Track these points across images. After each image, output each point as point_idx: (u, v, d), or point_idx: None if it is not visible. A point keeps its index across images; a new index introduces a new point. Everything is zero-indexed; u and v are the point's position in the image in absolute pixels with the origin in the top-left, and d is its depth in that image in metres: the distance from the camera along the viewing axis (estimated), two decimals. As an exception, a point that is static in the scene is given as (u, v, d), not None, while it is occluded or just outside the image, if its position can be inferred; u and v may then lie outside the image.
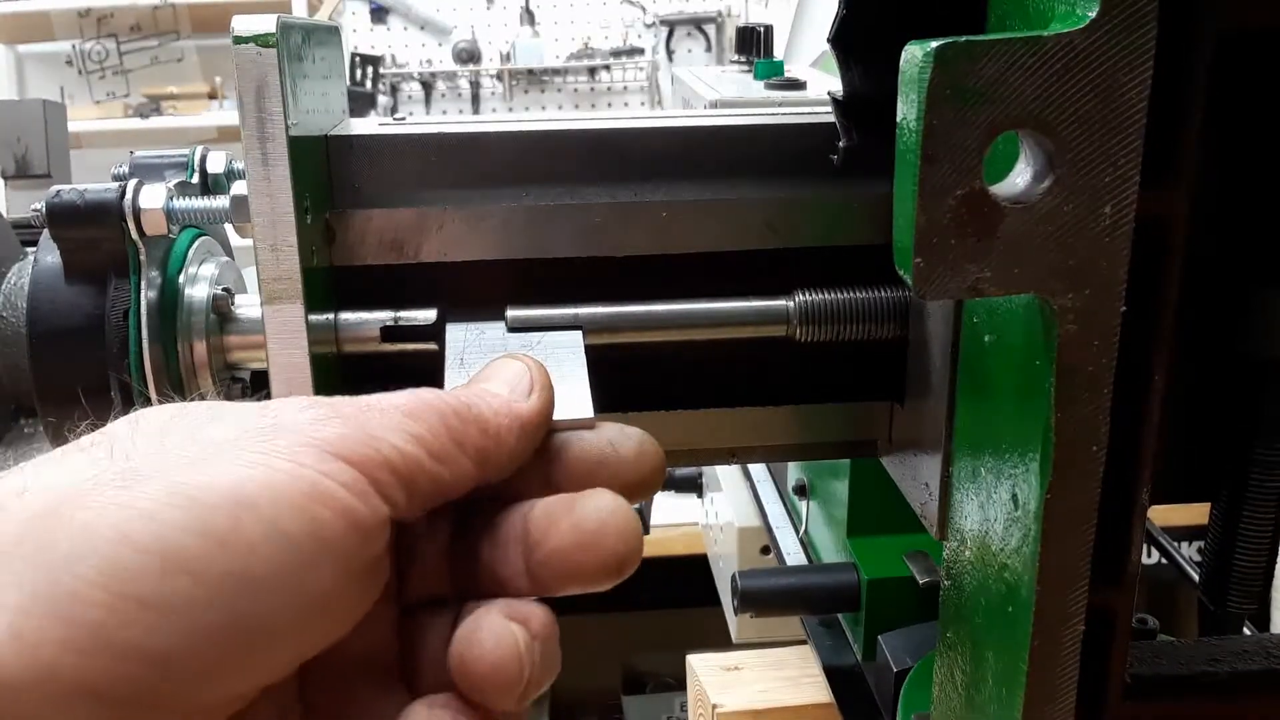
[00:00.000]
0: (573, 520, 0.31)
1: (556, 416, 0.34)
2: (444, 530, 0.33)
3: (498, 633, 0.29)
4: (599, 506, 0.31)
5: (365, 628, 0.30)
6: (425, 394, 0.32)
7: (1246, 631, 0.47)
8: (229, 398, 0.54)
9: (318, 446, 0.28)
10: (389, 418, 0.30)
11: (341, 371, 0.49)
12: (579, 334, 0.47)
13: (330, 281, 0.48)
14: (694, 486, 1.13)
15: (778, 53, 1.08)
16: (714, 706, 0.77)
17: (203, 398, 0.53)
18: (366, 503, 0.28)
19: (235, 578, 0.26)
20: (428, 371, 0.45)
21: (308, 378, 0.45)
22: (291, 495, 0.27)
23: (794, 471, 0.85)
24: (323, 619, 0.28)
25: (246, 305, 0.54)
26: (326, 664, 0.30)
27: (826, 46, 0.43)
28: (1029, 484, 0.33)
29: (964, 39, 0.28)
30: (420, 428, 0.30)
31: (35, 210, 0.53)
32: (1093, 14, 0.28)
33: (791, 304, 0.48)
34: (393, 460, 0.29)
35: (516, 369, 0.34)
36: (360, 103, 3.43)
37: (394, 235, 0.49)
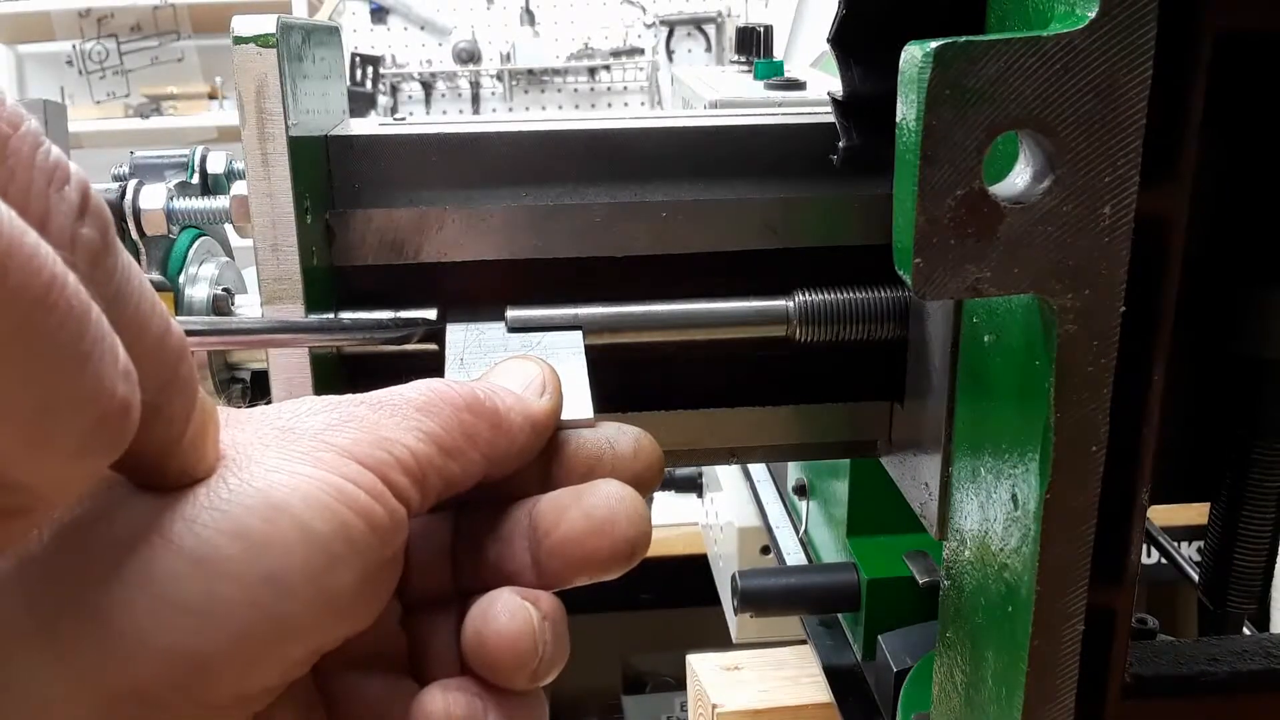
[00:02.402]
0: (582, 508, 0.31)
1: None
2: (445, 529, 0.33)
3: (512, 609, 0.30)
4: (608, 494, 0.32)
5: (375, 624, 0.30)
6: (439, 386, 0.32)
7: (1246, 631, 0.47)
8: (229, 398, 0.54)
9: (334, 451, 0.28)
10: (401, 415, 0.30)
11: (342, 372, 0.49)
12: (579, 334, 0.47)
13: (330, 281, 0.48)
14: (694, 486, 1.14)
15: (777, 53, 1.08)
16: (714, 706, 0.77)
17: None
18: (385, 504, 0.28)
19: (271, 580, 0.26)
20: (428, 372, 0.45)
21: (308, 378, 0.45)
22: (320, 498, 0.27)
23: (794, 471, 0.85)
24: (344, 617, 0.28)
25: (246, 305, 0.54)
26: (338, 659, 0.30)
27: (826, 47, 0.43)
28: (1029, 484, 0.33)
29: (963, 39, 0.28)
30: (433, 423, 0.30)
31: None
32: (1092, 14, 0.28)
33: (791, 304, 0.48)
34: (406, 461, 0.29)
35: (530, 369, 0.34)
36: (360, 103, 3.43)
37: (394, 235, 0.49)
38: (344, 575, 0.27)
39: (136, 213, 0.51)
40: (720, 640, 0.91)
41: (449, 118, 0.51)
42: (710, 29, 3.60)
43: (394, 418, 0.30)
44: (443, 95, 3.73)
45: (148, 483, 0.26)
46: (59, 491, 0.22)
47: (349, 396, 0.31)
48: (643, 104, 3.66)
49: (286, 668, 0.27)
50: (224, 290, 0.54)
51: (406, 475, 0.29)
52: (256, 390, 0.55)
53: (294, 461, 0.28)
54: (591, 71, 3.66)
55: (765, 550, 0.92)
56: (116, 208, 0.51)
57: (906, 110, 0.29)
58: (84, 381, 0.20)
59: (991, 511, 0.36)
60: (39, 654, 0.24)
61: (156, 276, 0.53)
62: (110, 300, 0.22)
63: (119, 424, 0.21)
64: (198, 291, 0.54)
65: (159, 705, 0.25)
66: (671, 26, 3.61)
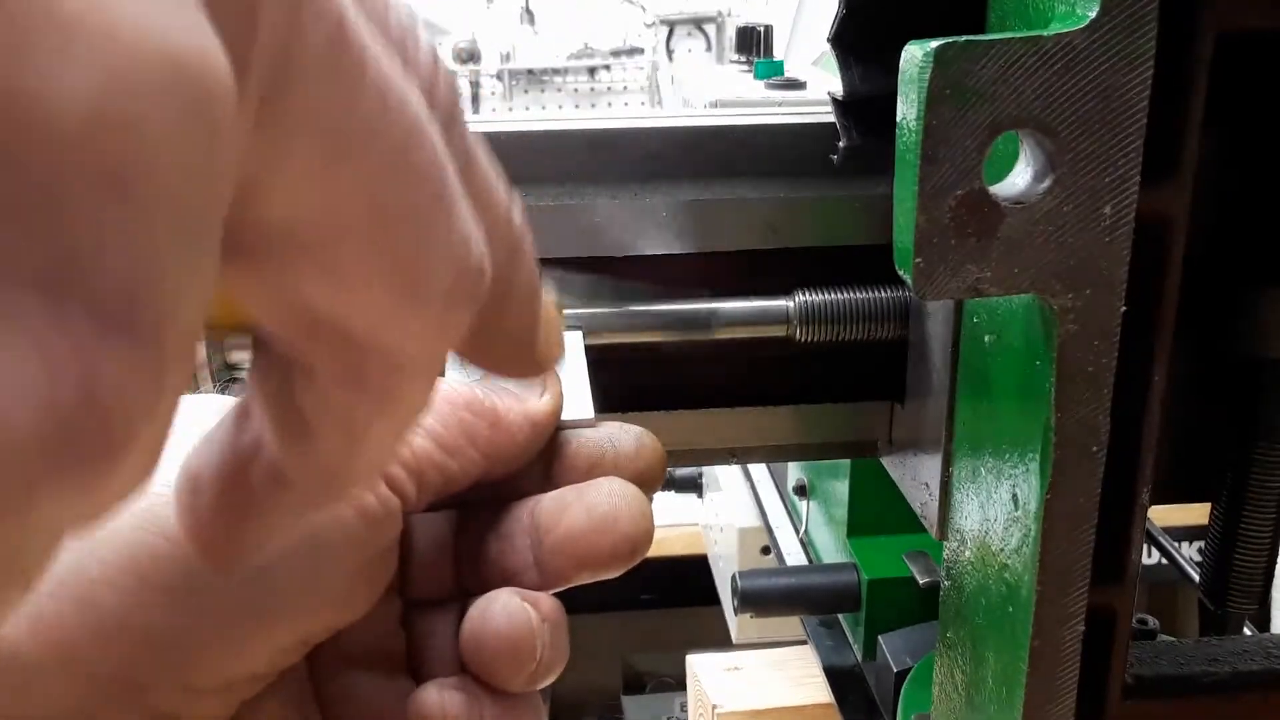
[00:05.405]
0: (584, 505, 0.31)
1: None
2: (446, 528, 0.33)
3: (511, 610, 0.29)
4: (610, 491, 0.31)
5: (372, 620, 0.30)
6: (439, 385, 0.31)
7: (1247, 632, 0.47)
8: (229, 398, 0.54)
9: None
10: None
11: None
12: (579, 334, 0.47)
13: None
14: (694, 486, 1.14)
15: (777, 52, 1.08)
16: (714, 706, 0.77)
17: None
18: (378, 495, 0.28)
19: (256, 565, 0.26)
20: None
21: (308, 378, 0.45)
22: None
23: (794, 471, 0.85)
24: (333, 606, 0.28)
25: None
26: (335, 654, 0.30)
27: (826, 46, 0.43)
28: (1029, 484, 0.33)
29: (964, 39, 0.28)
30: (431, 420, 0.30)
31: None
32: (1093, 14, 0.28)
33: (791, 304, 0.48)
34: (403, 454, 0.29)
35: None
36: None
37: (394, 235, 0.49)
38: (333, 564, 0.27)
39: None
40: (720, 640, 0.91)
41: (449, 117, 0.51)
42: (710, 28, 3.60)
43: None
44: (443, 95, 3.73)
45: (506, 371, 0.27)
46: (424, 354, 0.21)
47: None
48: (643, 103, 3.66)
49: (273, 655, 0.27)
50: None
51: (402, 468, 0.29)
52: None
53: None
54: (591, 71, 3.66)
55: (765, 550, 0.92)
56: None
57: (907, 110, 0.29)
58: (450, 230, 0.20)
59: (992, 512, 0.36)
60: (20, 632, 0.24)
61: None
62: (461, 168, 0.21)
63: (475, 281, 0.21)
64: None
65: (141, 688, 0.25)
66: (671, 26, 3.61)
